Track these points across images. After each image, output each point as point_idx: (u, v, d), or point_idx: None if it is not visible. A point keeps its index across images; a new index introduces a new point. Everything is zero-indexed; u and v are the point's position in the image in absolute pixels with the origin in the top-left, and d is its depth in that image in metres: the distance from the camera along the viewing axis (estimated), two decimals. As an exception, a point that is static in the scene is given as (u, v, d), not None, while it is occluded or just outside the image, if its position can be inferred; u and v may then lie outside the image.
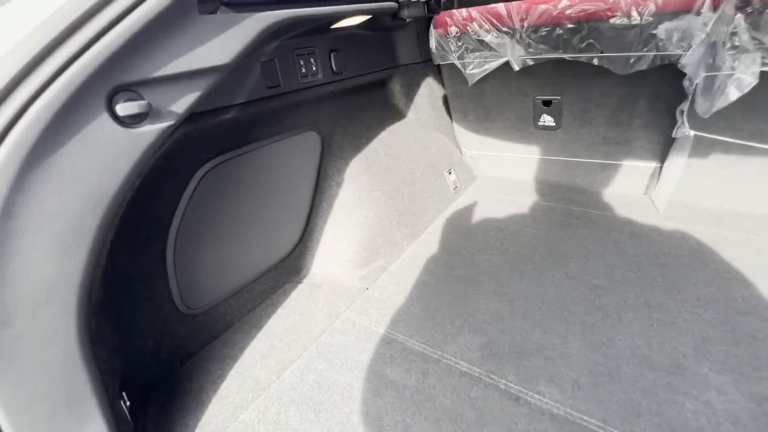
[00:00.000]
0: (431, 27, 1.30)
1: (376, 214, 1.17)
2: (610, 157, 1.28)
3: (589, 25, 1.01)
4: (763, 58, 0.82)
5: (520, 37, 1.11)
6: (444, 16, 1.23)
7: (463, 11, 1.18)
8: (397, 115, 1.47)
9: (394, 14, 1.10)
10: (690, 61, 0.91)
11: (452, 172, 1.49)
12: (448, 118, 1.58)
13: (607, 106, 1.19)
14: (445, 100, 1.55)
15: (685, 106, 0.99)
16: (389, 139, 1.36)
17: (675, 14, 0.91)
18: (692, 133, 1.02)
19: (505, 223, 1.23)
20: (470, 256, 1.10)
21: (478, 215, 1.31)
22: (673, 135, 1.04)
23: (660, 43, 0.95)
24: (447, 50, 1.30)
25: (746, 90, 0.85)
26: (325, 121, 1.17)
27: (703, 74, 0.90)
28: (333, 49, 1.07)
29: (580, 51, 1.07)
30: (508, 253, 1.09)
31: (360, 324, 0.92)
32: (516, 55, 1.15)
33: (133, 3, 0.48)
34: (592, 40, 1.03)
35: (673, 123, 1.07)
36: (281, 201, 1.06)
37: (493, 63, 1.21)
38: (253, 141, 0.95)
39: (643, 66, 0.99)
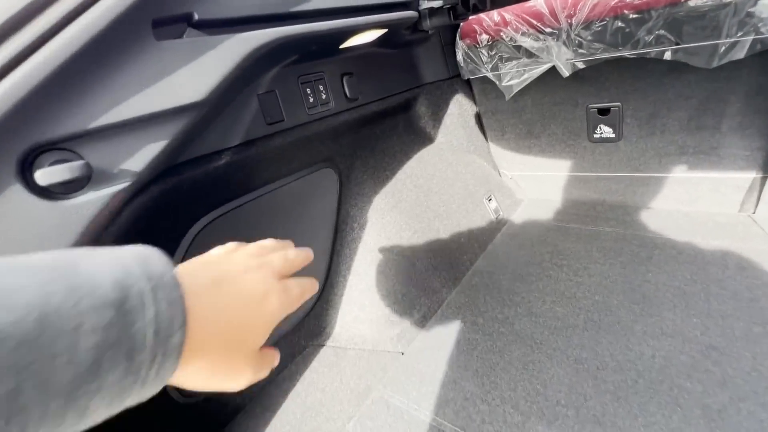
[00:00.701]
0: (457, 37, 1.15)
1: (407, 257, 0.99)
2: (690, 170, 1.04)
3: (659, 12, 0.81)
4: None
5: (568, 37, 0.93)
6: (472, 23, 1.07)
7: (494, 15, 1.01)
8: (424, 140, 1.31)
9: (414, 26, 0.95)
10: (811, 41, 0.69)
11: (492, 198, 1.29)
12: (482, 138, 1.39)
13: (684, 108, 0.97)
14: (479, 119, 1.37)
15: (803, 100, 0.76)
16: (417, 169, 1.19)
17: (782, -16, 0.70)
18: (813, 133, 0.78)
19: (565, 258, 1.01)
20: (527, 306, 0.89)
21: (529, 249, 1.09)
22: (785, 138, 0.81)
23: (761, 24, 0.73)
24: (477, 62, 1.13)
25: None
26: (342, 155, 1.02)
27: (834, 56, 0.68)
28: (345, 73, 0.93)
29: (647, 46, 0.86)
30: (575, 299, 0.87)
31: (395, 406, 0.73)
32: (563, 59, 0.96)
33: (54, 27, 0.35)
34: (663, 31, 0.83)
35: (779, 123, 0.84)
36: (296, 251, 0.91)
37: (534, 71, 1.02)
38: (258, 186, 0.81)
39: (738, 55, 0.77)
